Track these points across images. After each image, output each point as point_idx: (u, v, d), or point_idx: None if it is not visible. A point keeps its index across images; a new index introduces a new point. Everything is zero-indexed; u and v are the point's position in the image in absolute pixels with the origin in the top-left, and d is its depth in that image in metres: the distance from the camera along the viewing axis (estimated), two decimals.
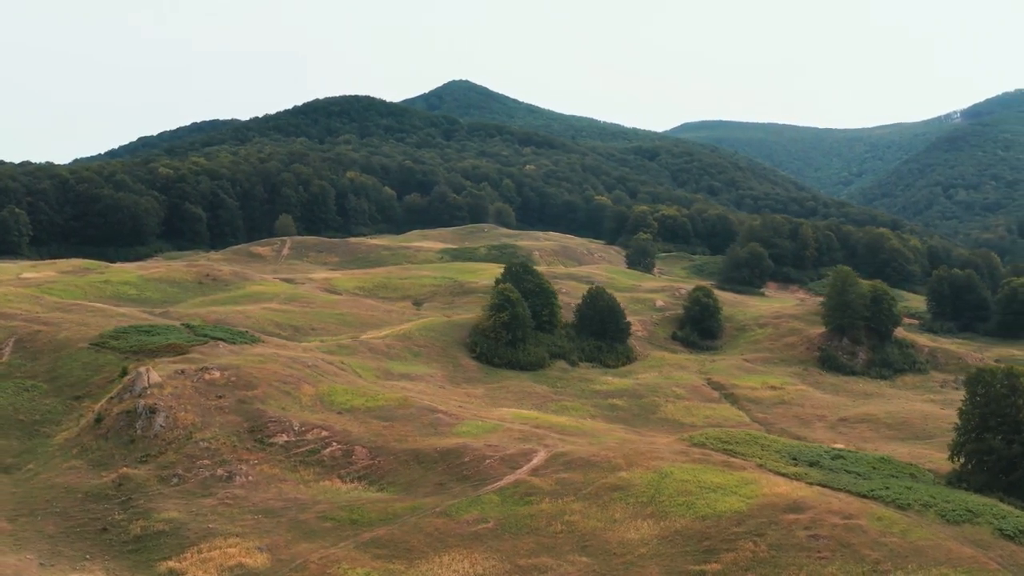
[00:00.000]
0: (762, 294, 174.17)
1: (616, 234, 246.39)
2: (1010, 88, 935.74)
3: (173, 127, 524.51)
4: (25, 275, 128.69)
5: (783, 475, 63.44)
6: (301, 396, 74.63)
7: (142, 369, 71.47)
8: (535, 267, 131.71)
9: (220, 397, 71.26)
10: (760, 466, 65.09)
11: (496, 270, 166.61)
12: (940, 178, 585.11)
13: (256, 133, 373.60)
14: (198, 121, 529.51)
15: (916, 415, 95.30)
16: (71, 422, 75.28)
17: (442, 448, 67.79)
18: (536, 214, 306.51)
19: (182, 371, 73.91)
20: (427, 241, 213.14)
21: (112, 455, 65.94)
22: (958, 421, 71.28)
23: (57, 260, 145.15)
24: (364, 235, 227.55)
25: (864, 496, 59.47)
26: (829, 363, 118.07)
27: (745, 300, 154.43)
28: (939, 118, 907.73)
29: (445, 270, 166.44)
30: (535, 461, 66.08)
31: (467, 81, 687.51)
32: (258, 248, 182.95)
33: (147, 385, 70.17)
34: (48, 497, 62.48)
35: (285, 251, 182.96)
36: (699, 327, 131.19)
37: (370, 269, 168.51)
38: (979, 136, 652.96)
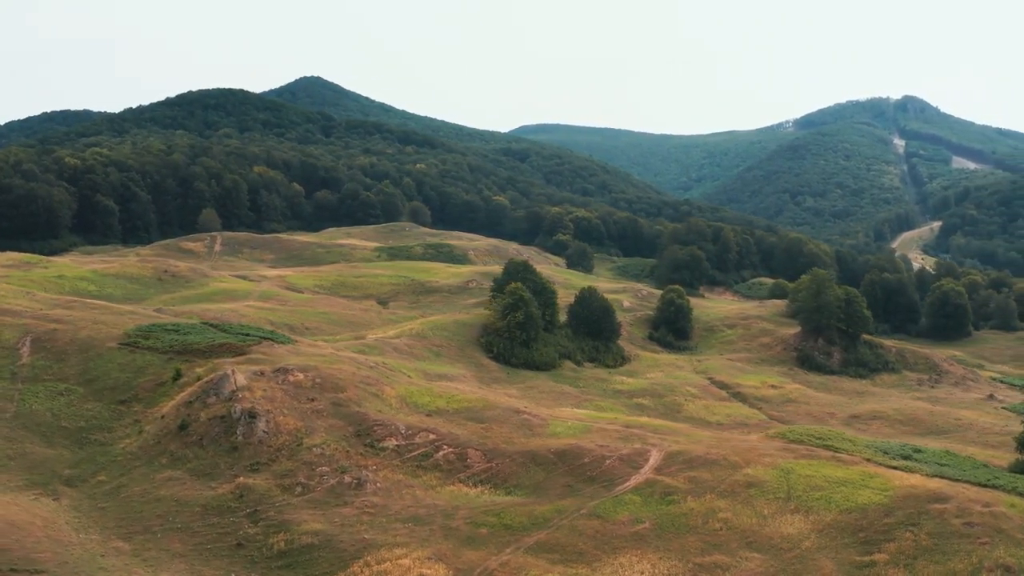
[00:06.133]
0: (703, 296, 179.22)
1: (532, 235, 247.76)
2: (841, 99, 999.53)
3: (20, 117, 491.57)
4: None
5: (894, 468, 65.69)
6: (387, 398, 71.45)
7: (228, 371, 66.55)
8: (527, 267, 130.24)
9: (312, 400, 67.28)
10: (868, 460, 67.23)
11: (448, 270, 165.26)
12: (787, 185, 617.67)
13: (132, 125, 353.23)
14: (49, 111, 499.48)
15: (921, 412, 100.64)
16: (127, 428, 69.35)
17: (556, 449, 66.47)
18: (437, 214, 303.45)
19: (261, 372, 69.30)
20: (351, 239, 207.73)
21: (215, 464, 61.08)
22: None
23: None
24: (279, 231, 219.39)
25: (984, 485, 62.43)
26: (807, 363, 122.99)
27: (699, 302, 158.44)
28: (772, 127, 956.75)
29: (396, 269, 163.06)
30: (653, 461, 65.82)
31: (319, 78, 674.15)
32: (188, 243, 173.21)
33: (235, 388, 65.43)
34: (159, 512, 57.28)
35: (217, 247, 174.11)
36: (673, 327, 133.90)
37: (318, 267, 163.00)
38: (820, 145, 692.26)
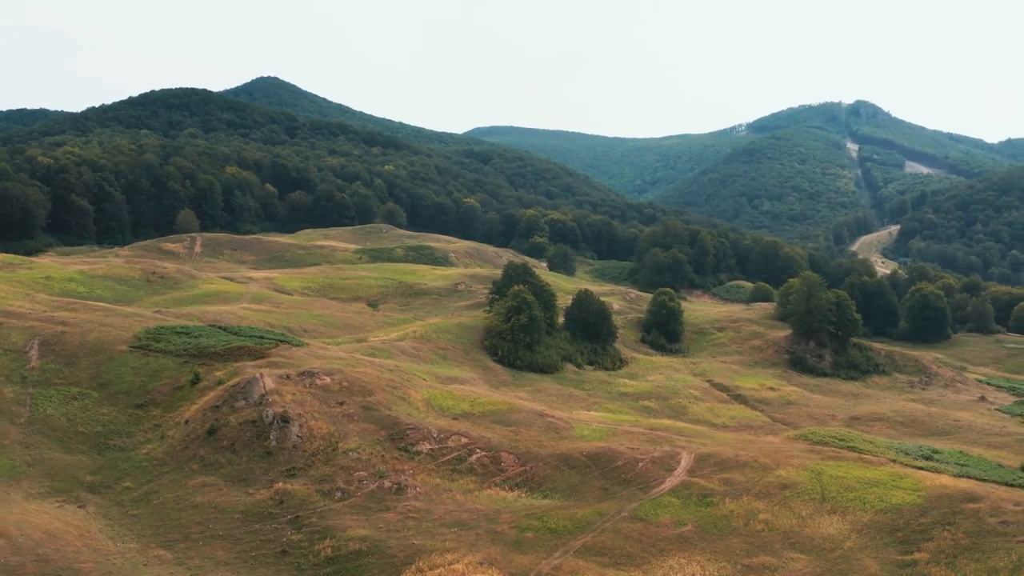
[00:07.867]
0: (684, 298, 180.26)
1: (507, 237, 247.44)
2: (793, 103, 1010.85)
3: None
4: None
5: (920, 468, 66.72)
6: (413, 401, 70.88)
7: (257, 375, 65.45)
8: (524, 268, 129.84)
9: (342, 404, 66.47)
10: (893, 461, 68.22)
11: (434, 272, 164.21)
12: (743, 188, 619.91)
13: (96, 124, 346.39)
14: (3, 110, 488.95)
15: (920, 413, 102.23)
16: (147, 433, 67.91)
17: (588, 452, 66.45)
18: (409, 216, 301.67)
19: (287, 376, 68.30)
20: (330, 240, 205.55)
21: (250, 469, 60.02)
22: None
23: None
24: (254, 232, 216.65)
25: (1011, 485, 63.65)
26: (799, 365, 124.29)
27: (685, 305, 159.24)
28: (725, 130, 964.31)
29: (381, 271, 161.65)
30: (685, 463, 66.08)
31: (276, 78, 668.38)
32: (168, 244, 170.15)
33: (265, 392, 64.39)
34: (198, 519, 56.10)
35: (198, 248, 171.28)
36: (665, 330, 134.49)
37: (302, 269, 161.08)
38: (774, 149, 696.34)
